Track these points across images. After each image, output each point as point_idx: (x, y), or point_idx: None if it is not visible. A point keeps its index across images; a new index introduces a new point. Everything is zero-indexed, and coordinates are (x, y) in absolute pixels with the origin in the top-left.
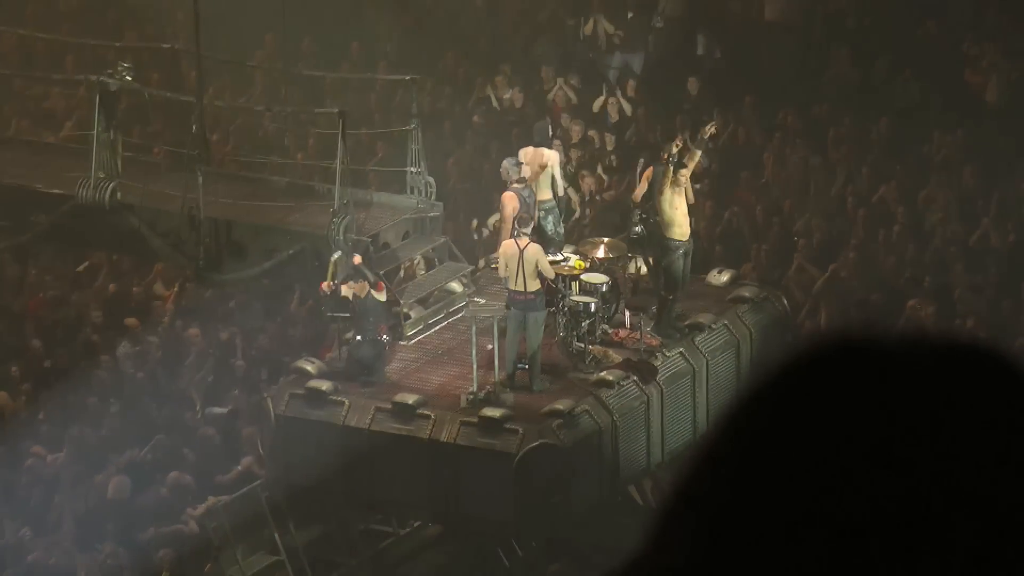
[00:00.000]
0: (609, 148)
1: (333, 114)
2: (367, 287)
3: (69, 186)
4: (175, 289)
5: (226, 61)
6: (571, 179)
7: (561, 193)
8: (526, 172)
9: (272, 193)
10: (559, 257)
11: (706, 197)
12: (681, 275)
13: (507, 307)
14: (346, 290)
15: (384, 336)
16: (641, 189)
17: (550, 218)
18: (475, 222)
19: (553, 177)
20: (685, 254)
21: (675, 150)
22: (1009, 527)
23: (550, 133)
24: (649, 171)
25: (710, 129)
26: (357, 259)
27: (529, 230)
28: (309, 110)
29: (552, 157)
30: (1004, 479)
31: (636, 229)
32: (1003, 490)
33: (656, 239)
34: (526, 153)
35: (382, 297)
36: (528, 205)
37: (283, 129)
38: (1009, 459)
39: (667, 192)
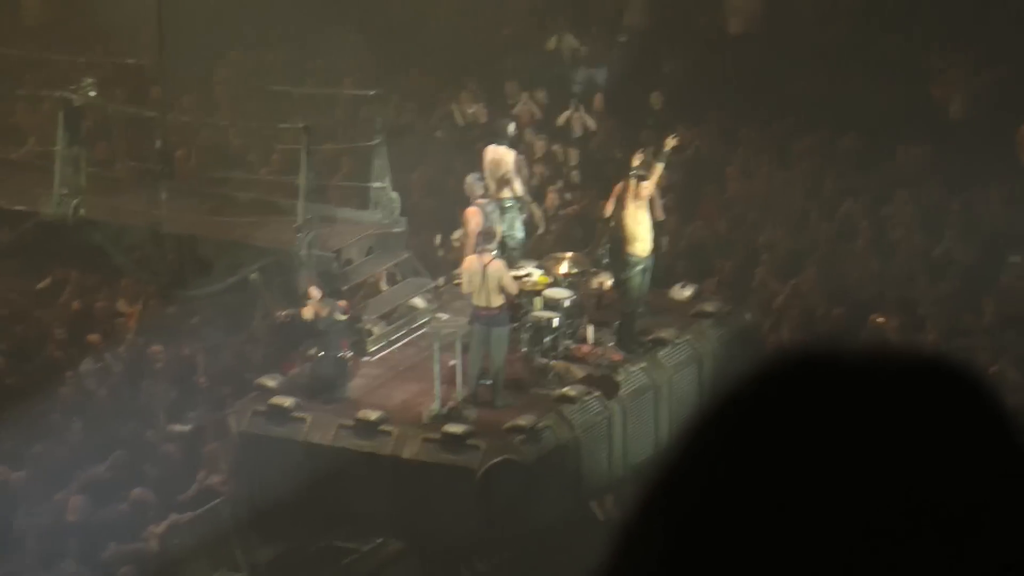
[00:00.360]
0: (572, 163)
1: (298, 129)
2: (328, 308)
3: (32, 202)
4: (139, 305)
5: (190, 77)
6: (535, 194)
7: (519, 193)
8: (490, 186)
9: (236, 209)
10: (522, 272)
11: (669, 212)
12: (639, 291)
13: (470, 323)
14: (308, 311)
15: (346, 352)
16: (611, 204)
17: (506, 216)
18: (439, 237)
19: (511, 177)
20: (644, 271)
21: (637, 163)
22: (972, 540)
23: (510, 132)
24: (618, 187)
25: (672, 142)
26: (316, 293)
27: (493, 246)
28: (273, 125)
29: (506, 155)
30: (965, 493)
31: (601, 252)
32: (965, 504)
33: (617, 253)
34: (487, 152)
35: (344, 317)
36: (492, 220)
37: (247, 145)
38: (970, 473)
39: (630, 206)
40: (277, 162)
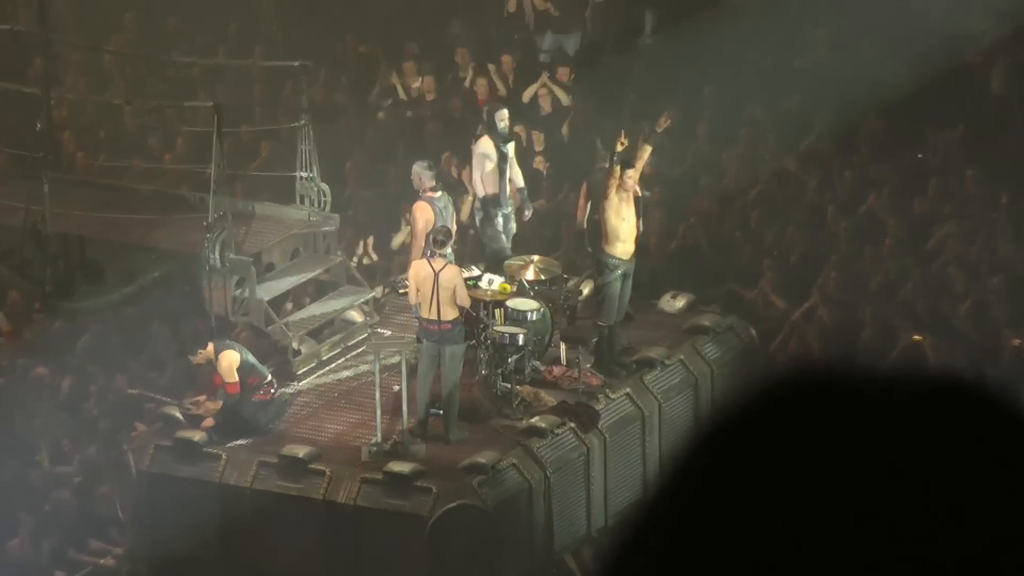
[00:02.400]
0: (538, 148)
1: (207, 108)
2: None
3: None
4: (18, 320)
5: (78, 46)
6: None
7: (481, 192)
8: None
9: (134, 204)
10: (474, 273)
11: (656, 207)
12: (618, 301)
13: (418, 340)
14: (201, 357)
15: (263, 396)
16: (582, 211)
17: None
18: (371, 240)
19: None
20: (624, 276)
21: (619, 148)
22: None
23: (496, 117)
24: (585, 187)
25: (664, 122)
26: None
27: (447, 249)
28: (178, 104)
29: (476, 147)
30: (986, 530)
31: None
32: (983, 543)
33: (593, 254)
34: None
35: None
36: (444, 217)
37: (147, 127)
38: (998, 510)
39: (613, 197)
40: (182, 148)
